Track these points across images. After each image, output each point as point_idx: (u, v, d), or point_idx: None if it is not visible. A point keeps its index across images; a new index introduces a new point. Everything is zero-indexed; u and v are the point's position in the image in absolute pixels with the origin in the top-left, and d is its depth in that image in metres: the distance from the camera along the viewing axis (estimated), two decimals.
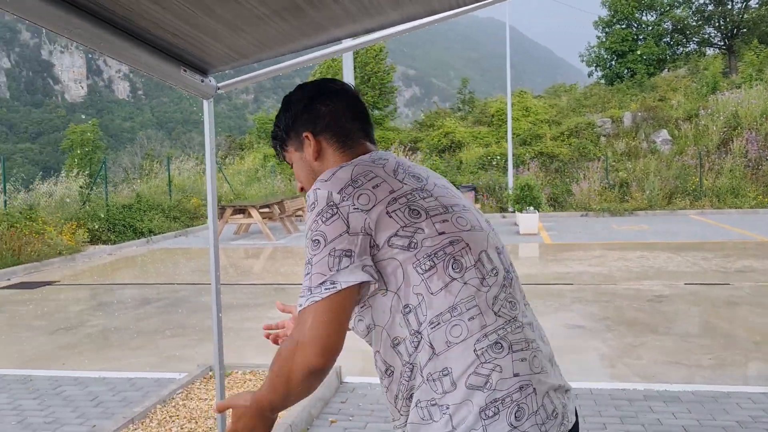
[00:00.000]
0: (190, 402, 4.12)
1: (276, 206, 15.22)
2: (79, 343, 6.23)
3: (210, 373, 4.67)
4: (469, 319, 1.25)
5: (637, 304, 7.14)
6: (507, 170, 20.19)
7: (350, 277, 1.21)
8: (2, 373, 5.25)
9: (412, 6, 1.71)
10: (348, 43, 2.21)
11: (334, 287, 1.19)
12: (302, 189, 1.51)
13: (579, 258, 10.55)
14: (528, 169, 21.29)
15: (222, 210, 14.36)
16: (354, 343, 5.74)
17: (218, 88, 2.25)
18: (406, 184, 1.32)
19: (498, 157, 22.37)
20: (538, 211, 14.71)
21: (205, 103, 2.35)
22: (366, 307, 1.35)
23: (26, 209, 12.52)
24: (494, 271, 1.33)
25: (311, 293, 1.20)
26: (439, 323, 1.25)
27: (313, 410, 4.05)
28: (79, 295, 8.77)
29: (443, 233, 1.29)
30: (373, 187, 1.28)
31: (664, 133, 22.37)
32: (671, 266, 9.48)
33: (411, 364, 1.28)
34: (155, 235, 15.10)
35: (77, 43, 1.53)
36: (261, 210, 14.71)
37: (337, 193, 1.26)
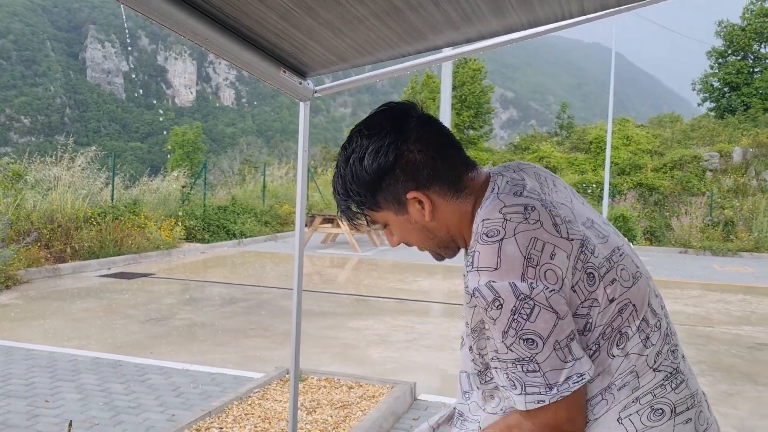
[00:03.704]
0: (265, 402, 4.18)
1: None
2: (168, 334, 6.47)
3: (286, 375, 4.72)
4: (618, 389, 1.11)
5: (735, 350, 6.68)
6: (602, 199, 19.56)
7: (589, 364, 1.07)
8: (95, 356, 5.53)
9: (515, 15, 1.67)
10: (448, 52, 2.18)
11: (582, 379, 1.05)
12: (405, 242, 1.31)
13: (674, 296, 10.02)
14: (624, 200, 20.55)
15: (311, 218, 14.64)
16: (432, 361, 5.61)
17: (315, 92, 2.28)
18: (572, 237, 1.07)
19: (593, 186, 21.74)
20: (633, 244, 14.12)
21: (302, 105, 2.39)
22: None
23: (131, 204, 13.23)
24: (658, 324, 1.16)
25: (557, 391, 1.04)
26: (587, 407, 1.13)
27: (385, 423, 4.01)
28: (172, 289, 9.14)
29: (613, 300, 1.10)
30: (551, 257, 1.04)
31: None
32: None
33: None
34: (246, 237, 15.60)
35: (180, 35, 1.58)
36: None
37: (521, 281, 1.02)
